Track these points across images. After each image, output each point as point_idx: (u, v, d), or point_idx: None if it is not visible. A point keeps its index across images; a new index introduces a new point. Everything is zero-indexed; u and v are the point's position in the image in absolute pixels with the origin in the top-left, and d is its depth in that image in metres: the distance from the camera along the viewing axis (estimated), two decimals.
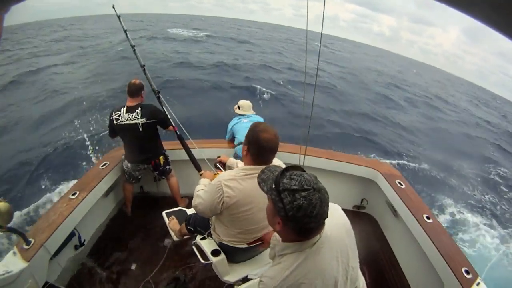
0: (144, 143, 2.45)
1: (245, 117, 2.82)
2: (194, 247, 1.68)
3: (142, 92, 2.40)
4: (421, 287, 2.17)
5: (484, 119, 16.99)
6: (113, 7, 2.29)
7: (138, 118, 2.31)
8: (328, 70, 17.54)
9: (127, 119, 2.31)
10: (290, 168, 0.85)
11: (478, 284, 1.66)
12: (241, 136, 2.63)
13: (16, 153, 5.23)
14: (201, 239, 1.65)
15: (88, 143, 5.41)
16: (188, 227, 1.83)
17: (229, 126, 2.86)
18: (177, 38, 23.59)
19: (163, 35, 24.52)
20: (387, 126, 9.60)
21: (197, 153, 2.42)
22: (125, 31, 2.36)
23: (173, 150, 2.78)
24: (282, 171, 0.84)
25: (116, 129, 2.38)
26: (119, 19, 2.30)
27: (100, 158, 3.29)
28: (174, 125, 2.46)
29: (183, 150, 2.44)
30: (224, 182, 1.28)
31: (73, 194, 2.10)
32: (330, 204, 0.98)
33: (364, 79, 18.02)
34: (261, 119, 2.82)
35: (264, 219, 1.00)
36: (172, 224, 2.11)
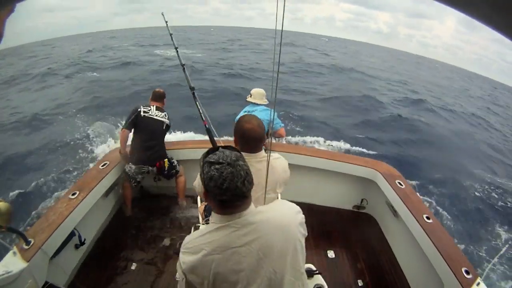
0: (158, 140, 2.68)
1: (253, 110, 2.73)
2: (192, 229, 1.70)
3: (164, 99, 2.81)
4: (421, 287, 2.17)
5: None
6: (162, 14, 2.81)
7: (165, 118, 2.70)
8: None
9: (156, 115, 2.66)
10: (226, 147, 0.91)
11: (478, 284, 1.66)
12: None
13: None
14: (203, 224, 1.70)
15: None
16: (205, 212, 1.90)
17: (237, 117, 2.82)
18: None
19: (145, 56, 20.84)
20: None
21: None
22: (170, 34, 2.77)
23: (179, 150, 2.80)
24: (213, 148, 0.91)
25: (139, 121, 2.57)
26: (167, 25, 2.75)
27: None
28: (204, 119, 2.67)
29: (187, 150, 2.66)
30: None
31: (73, 194, 2.10)
32: (286, 204, 1.01)
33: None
34: (269, 111, 2.73)
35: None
36: (201, 208, 2.17)
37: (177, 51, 2.74)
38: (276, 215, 0.93)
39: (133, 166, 2.59)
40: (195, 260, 0.85)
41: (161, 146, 2.71)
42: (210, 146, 2.54)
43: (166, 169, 2.70)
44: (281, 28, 0.69)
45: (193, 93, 2.68)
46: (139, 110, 2.58)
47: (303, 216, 1.01)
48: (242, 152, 1.30)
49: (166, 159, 2.69)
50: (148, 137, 2.60)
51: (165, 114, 2.71)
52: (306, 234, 1.00)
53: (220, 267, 0.84)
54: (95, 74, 14.23)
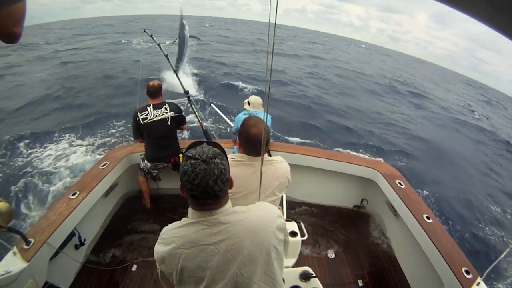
0: (168, 139, 2.58)
1: (252, 114, 2.73)
2: None
3: (161, 91, 2.60)
4: (421, 287, 2.17)
5: None
6: (144, 30, 3.07)
7: (167, 112, 2.51)
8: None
9: (156, 116, 2.48)
10: (211, 143, 0.91)
11: (478, 284, 1.66)
12: None
13: None
14: None
15: None
16: None
17: (237, 119, 2.76)
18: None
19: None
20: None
21: None
22: (158, 45, 2.91)
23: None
24: (198, 142, 0.92)
25: (142, 129, 2.48)
26: (152, 38, 2.97)
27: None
28: (201, 121, 2.69)
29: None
30: None
31: (73, 194, 2.09)
32: (266, 207, 0.99)
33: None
34: (267, 117, 2.75)
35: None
36: None
37: (168, 59, 2.88)
38: (252, 218, 0.91)
39: (149, 164, 2.59)
40: (165, 251, 0.88)
41: (173, 143, 2.62)
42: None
43: (180, 163, 2.64)
44: (274, 22, 0.68)
45: (188, 97, 2.74)
46: (137, 119, 2.46)
47: (283, 221, 0.99)
48: (247, 155, 1.30)
49: (180, 154, 2.63)
50: (157, 140, 2.53)
51: (165, 108, 2.52)
52: (288, 239, 0.98)
53: (187, 261, 0.86)
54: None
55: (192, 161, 0.82)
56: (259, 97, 2.81)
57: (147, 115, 2.46)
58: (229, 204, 0.92)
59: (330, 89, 12.83)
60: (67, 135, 6.11)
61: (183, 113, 2.64)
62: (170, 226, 0.94)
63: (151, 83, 2.57)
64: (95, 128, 6.49)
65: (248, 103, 2.81)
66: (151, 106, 2.50)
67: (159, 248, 0.90)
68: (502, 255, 1.59)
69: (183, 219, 0.92)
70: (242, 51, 21.04)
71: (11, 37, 0.56)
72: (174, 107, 2.55)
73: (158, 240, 0.92)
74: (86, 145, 5.75)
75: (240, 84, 10.61)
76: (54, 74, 11.39)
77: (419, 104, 13.97)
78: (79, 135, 6.14)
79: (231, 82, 10.80)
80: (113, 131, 6.42)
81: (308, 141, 6.79)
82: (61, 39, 23.94)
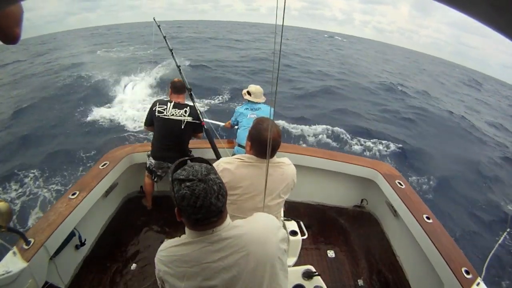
0: (177, 141, 2.49)
1: (253, 110, 2.64)
2: None
3: (185, 91, 2.54)
4: (421, 287, 2.18)
5: None
6: (154, 19, 2.90)
7: (185, 116, 2.42)
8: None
9: (173, 114, 2.40)
10: (195, 159, 0.89)
11: (478, 284, 1.66)
12: (241, 139, 2.58)
13: None
14: None
15: None
16: None
17: (237, 112, 2.71)
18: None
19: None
20: None
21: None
22: (164, 37, 2.79)
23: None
24: (181, 161, 0.87)
25: (155, 120, 2.41)
26: (159, 28, 2.80)
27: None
28: (202, 120, 2.61)
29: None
30: (222, 163, 1.33)
31: (73, 194, 2.10)
32: (267, 219, 0.97)
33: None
34: (270, 110, 2.60)
35: (252, 209, 1.02)
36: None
37: (172, 54, 2.76)
38: (254, 231, 0.90)
39: (153, 161, 2.54)
40: (165, 271, 0.86)
41: (181, 146, 2.53)
42: (209, 146, 2.57)
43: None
44: (281, 24, 0.68)
45: (191, 94, 2.67)
46: (154, 108, 2.39)
47: (284, 231, 0.99)
48: (256, 157, 1.31)
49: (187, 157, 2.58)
50: (165, 138, 2.46)
51: (185, 111, 2.41)
52: (287, 248, 0.98)
53: (191, 280, 0.83)
54: None
55: (188, 184, 0.77)
56: (259, 86, 2.71)
57: (164, 109, 2.39)
58: (228, 218, 0.89)
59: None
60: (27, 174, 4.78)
61: (202, 122, 2.53)
62: (168, 243, 0.92)
63: (176, 79, 2.54)
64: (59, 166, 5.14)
65: (249, 93, 2.68)
66: (172, 103, 2.43)
67: (160, 266, 0.88)
68: (493, 251, 1.59)
69: (182, 236, 0.90)
70: (224, 51, 21.24)
71: (11, 37, 0.56)
72: (194, 114, 2.46)
73: (157, 257, 0.91)
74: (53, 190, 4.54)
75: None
76: (22, 94, 9.93)
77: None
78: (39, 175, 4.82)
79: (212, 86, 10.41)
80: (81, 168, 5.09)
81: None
82: (40, 55, 21.87)
